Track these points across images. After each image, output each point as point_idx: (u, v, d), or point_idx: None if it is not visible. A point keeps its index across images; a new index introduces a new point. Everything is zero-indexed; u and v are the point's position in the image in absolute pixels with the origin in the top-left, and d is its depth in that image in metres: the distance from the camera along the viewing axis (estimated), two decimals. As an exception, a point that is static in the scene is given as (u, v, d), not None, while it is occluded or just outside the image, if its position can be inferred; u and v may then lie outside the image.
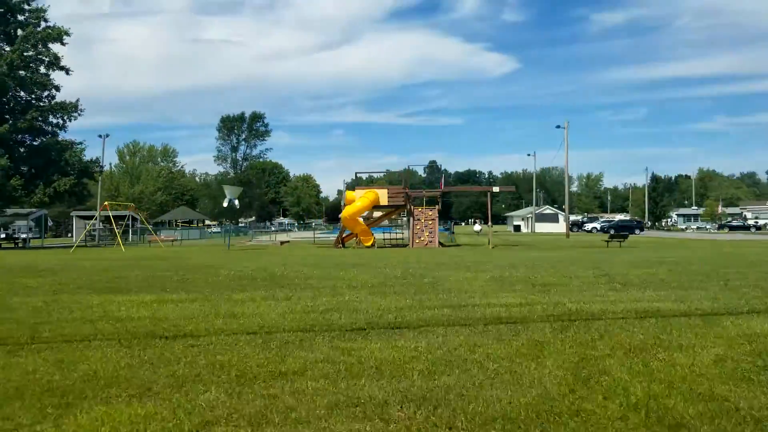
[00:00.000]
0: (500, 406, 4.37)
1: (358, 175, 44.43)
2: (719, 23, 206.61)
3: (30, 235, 52.79)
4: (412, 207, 34.50)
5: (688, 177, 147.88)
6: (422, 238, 33.51)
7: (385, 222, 42.62)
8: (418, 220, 33.93)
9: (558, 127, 53.71)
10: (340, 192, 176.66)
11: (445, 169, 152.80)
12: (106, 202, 38.61)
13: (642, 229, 66.37)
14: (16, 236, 49.25)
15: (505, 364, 5.37)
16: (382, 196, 34.52)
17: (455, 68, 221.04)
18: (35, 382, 5.11)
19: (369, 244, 33.79)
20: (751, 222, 75.97)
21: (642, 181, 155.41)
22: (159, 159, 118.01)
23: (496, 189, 40.39)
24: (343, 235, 35.86)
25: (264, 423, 4.19)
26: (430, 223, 33.89)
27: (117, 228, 52.64)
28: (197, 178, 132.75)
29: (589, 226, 70.69)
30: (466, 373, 5.12)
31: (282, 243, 40.06)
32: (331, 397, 4.62)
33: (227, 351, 5.95)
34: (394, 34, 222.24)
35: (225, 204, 36.08)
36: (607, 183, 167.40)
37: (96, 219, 49.12)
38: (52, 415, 4.38)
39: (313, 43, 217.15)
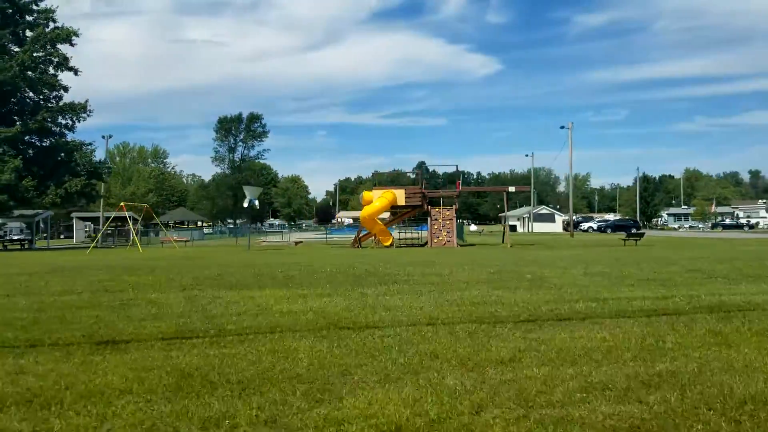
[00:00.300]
0: (741, 390, 4.70)
1: (376, 174, 44.61)
2: (698, 25, 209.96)
3: (23, 237, 52.33)
4: (429, 207, 34.90)
5: (672, 177, 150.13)
6: (440, 238, 33.90)
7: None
8: (436, 220, 34.36)
9: (562, 127, 54.56)
10: (328, 193, 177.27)
11: (439, 171, 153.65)
12: (122, 203, 38.54)
13: (638, 229, 67.30)
14: (21, 238, 48.87)
15: (705, 351, 5.75)
16: (400, 196, 34.85)
17: (438, 69, 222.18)
18: (270, 370, 5.38)
19: (388, 243, 34.14)
20: (743, 221, 77.55)
21: (627, 181, 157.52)
22: (149, 160, 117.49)
23: (512, 189, 40.96)
24: (360, 235, 36.18)
25: (533, 405, 4.49)
26: (448, 223, 34.32)
27: (117, 229, 52.55)
28: (183, 179, 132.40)
29: (585, 225, 71.65)
30: (677, 361, 5.47)
31: (297, 243, 40.25)
32: (572, 382, 4.93)
33: (425, 341, 6.27)
34: (378, 35, 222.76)
35: (246, 204, 36.18)
36: (592, 183, 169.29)
37: (106, 220, 48.95)
38: (324, 399, 4.65)
39: (296, 44, 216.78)
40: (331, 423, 4.26)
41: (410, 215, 38.22)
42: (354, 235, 37.95)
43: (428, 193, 35.91)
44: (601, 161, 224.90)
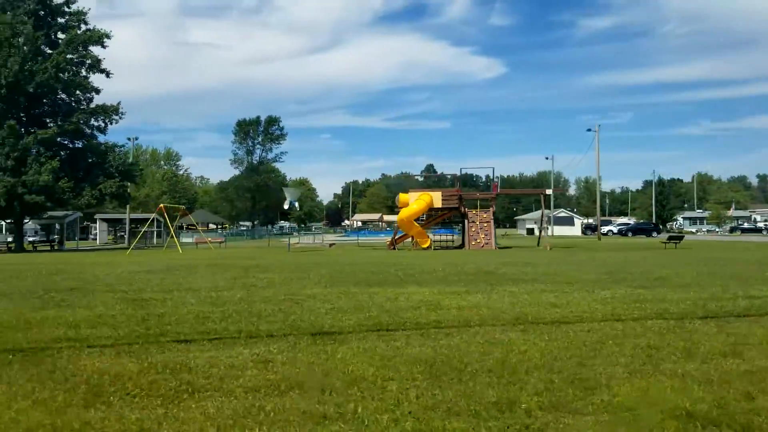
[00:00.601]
0: None
1: (407, 176, 44.94)
2: (704, 29, 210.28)
3: (38, 238, 52.53)
4: (465, 209, 35.17)
5: (680, 180, 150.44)
6: (478, 240, 34.14)
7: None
8: (473, 222, 34.62)
9: (589, 130, 55.02)
10: (336, 195, 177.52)
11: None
12: (161, 204, 38.81)
13: (659, 232, 67.63)
14: (37, 239, 49.19)
15: None
16: (436, 198, 35.11)
17: (442, 72, 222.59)
18: (507, 360, 5.67)
19: (426, 245, 34.36)
20: (760, 224, 77.82)
21: (634, 184, 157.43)
22: (162, 162, 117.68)
23: (549, 191, 41.27)
24: (396, 237, 36.43)
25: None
26: (485, 225, 34.58)
27: (147, 230, 52.74)
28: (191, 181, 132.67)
29: (605, 228, 71.74)
30: None
31: (330, 245, 40.51)
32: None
33: (628, 336, 6.52)
34: (382, 38, 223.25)
35: (286, 206, 36.52)
36: (602, 186, 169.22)
37: (131, 221, 49.23)
38: (591, 387, 4.89)
39: (300, 47, 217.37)
40: (620, 408, 4.49)
41: (445, 217, 38.45)
42: (390, 237, 38.17)
43: (465, 195, 36.15)
44: (607, 165, 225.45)
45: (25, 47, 39.73)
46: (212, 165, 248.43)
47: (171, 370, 5.52)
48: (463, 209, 35.14)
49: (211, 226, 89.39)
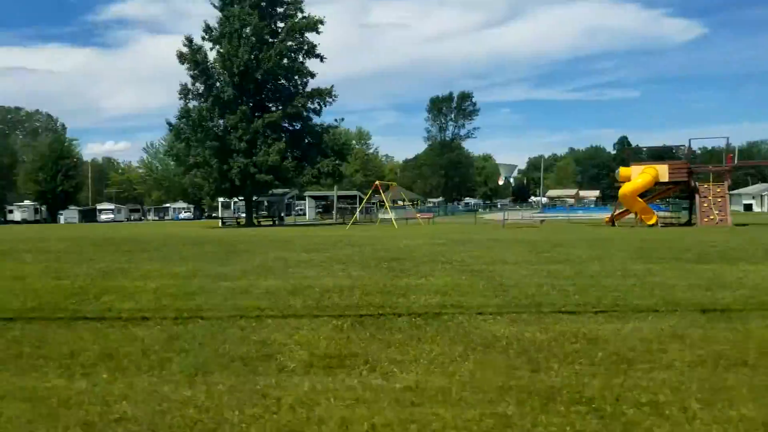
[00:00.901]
0: None
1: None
2: None
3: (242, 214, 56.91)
4: (695, 183, 32.58)
5: None
6: (711, 217, 31.50)
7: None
8: (705, 197, 31.98)
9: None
10: (520, 171, 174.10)
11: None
12: (377, 181, 40.64)
13: None
14: (272, 214, 53.53)
15: None
16: (662, 172, 32.83)
17: (631, 37, 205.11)
18: None
19: (652, 222, 32.36)
20: None
21: None
22: (353, 141, 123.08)
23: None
24: (616, 213, 34.82)
25: None
26: (720, 200, 31.81)
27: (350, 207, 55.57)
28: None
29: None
30: None
31: (542, 221, 39.76)
32: None
33: None
34: (563, 6, 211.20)
35: (501, 182, 36.63)
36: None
37: (338, 198, 52.07)
38: None
39: (477, 21, 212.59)
40: None
41: (672, 192, 36.00)
42: (609, 214, 36.56)
43: (695, 168, 33.50)
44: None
45: (252, 38, 43.15)
46: (393, 143, 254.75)
47: (584, 340, 5.48)
48: (692, 183, 32.56)
49: (400, 203, 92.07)
